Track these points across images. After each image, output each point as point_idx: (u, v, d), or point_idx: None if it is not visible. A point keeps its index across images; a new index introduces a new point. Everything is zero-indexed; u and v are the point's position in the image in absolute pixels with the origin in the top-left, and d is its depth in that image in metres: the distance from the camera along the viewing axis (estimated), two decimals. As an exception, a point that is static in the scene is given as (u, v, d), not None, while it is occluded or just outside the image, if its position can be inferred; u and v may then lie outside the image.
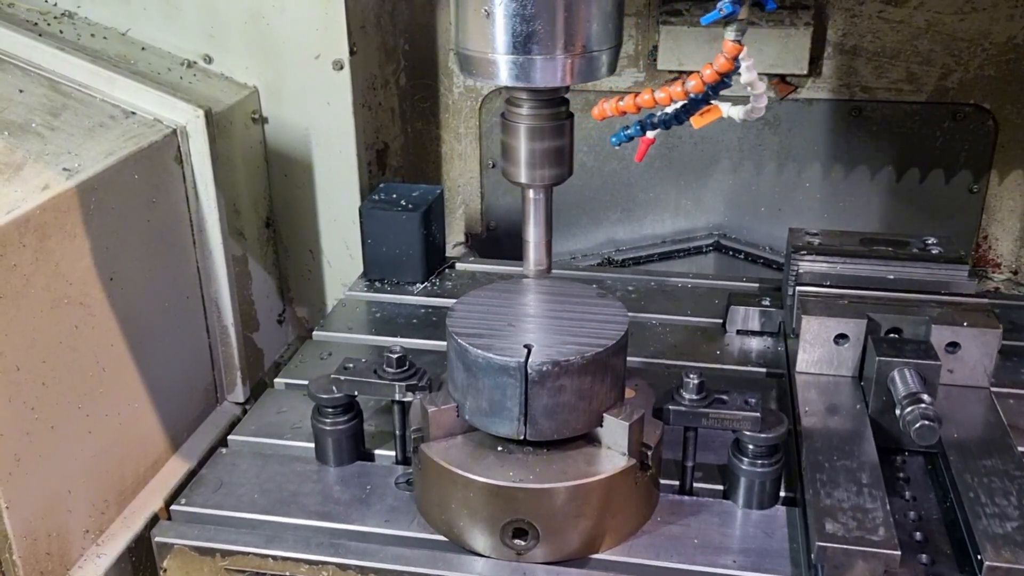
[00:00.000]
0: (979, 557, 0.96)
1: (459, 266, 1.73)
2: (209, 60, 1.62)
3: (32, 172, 1.16)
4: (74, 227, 1.17)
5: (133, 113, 1.38)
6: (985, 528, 0.99)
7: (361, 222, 1.64)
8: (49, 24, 1.55)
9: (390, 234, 1.63)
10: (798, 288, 1.34)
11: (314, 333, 1.53)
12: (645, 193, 1.96)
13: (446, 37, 1.90)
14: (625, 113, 1.09)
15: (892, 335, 1.25)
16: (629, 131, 1.19)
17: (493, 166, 1.99)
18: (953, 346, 1.23)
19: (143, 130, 1.34)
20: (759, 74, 1.08)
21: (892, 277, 1.36)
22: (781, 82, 1.82)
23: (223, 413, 1.53)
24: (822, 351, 1.27)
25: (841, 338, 1.26)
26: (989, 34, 1.72)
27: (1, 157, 1.16)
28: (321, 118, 1.66)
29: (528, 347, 1.03)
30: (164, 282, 1.36)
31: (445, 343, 1.10)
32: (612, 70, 1.07)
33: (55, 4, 1.60)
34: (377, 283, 1.66)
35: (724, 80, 1.03)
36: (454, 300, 1.15)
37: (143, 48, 1.60)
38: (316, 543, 1.09)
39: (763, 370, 1.41)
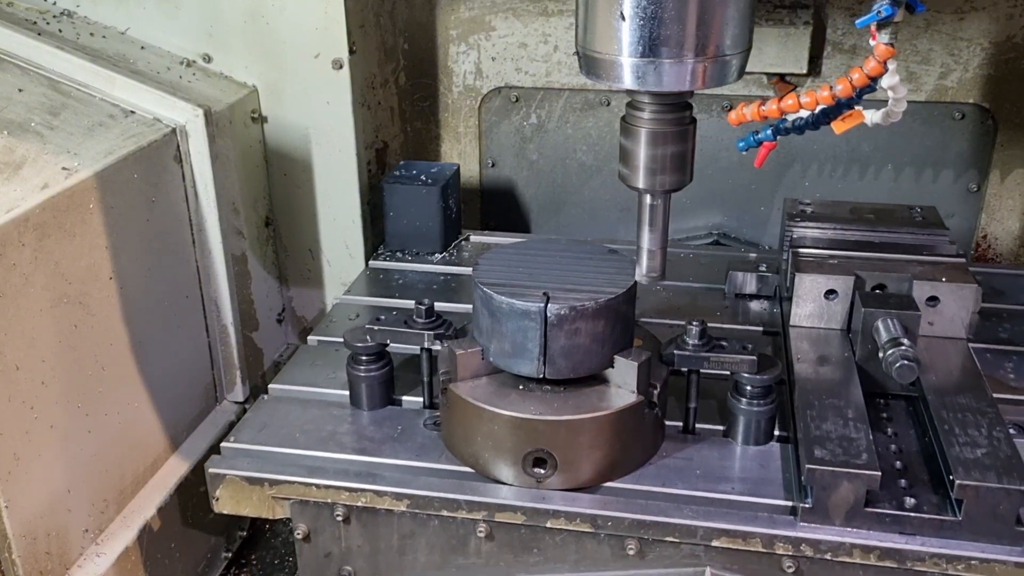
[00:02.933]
0: (951, 478, 1.07)
1: (473, 238, 1.84)
2: (208, 59, 1.63)
3: (31, 171, 1.16)
4: (73, 226, 1.17)
5: (132, 112, 1.38)
6: (958, 454, 1.10)
7: (383, 196, 1.74)
8: (48, 23, 1.55)
9: (411, 207, 1.74)
10: (792, 250, 1.45)
11: (342, 297, 1.64)
12: (645, 192, 2.00)
13: (445, 36, 1.91)
14: (767, 118, 1.08)
15: (877, 291, 1.36)
16: (760, 135, 1.19)
17: (492, 165, 2.00)
18: (933, 300, 1.34)
19: (142, 129, 1.35)
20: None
21: (878, 241, 1.47)
22: (780, 81, 1.81)
23: (222, 412, 1.56)
24: (813, 306, 1.38)
25: (831, 293, 1.37)
26: (988, 33, 1.71)
27: (0, 156, 1.17)
28: (321, 117, 1.66)
29: (547, 294, 1.14)
30: (163, 281, 1.37)
31: (464, 306, 1.19)
32: (741, 75, 1.04)
33: (54, 3, 1.61)
34: (398, 253, 1.77)
35: (872, 84, 1.02)
36: (472, 267, 1.24)
37: (142, 47, 1.61)
38: (355, 472, 1.20)
39: (759, 329, 1.51)
